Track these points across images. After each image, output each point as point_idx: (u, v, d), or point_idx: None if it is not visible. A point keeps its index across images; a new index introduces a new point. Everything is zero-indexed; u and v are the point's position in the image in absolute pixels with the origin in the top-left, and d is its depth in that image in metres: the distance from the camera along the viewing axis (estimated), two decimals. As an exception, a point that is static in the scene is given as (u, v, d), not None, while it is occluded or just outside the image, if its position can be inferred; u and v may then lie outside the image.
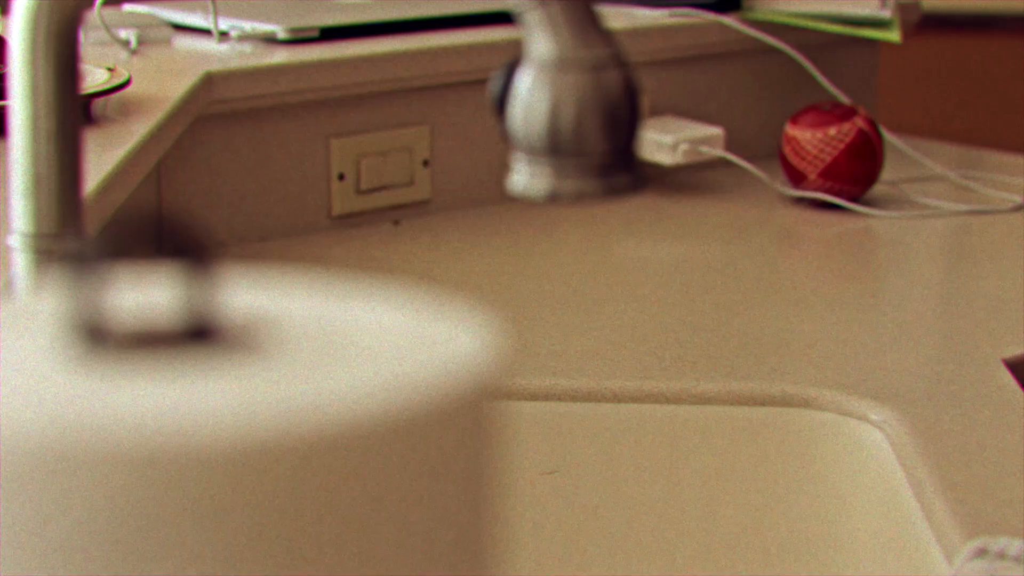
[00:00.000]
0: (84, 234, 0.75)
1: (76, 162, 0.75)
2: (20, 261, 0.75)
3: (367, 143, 1.42)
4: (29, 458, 0.34)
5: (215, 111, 1.33)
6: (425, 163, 1.46)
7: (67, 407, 0.35)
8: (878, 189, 1.52)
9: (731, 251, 1.42)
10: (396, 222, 1.45)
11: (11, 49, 0.74)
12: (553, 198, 0.68)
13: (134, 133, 1.16)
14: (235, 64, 1.36)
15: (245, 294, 0.39)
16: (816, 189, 1.49)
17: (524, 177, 0.69)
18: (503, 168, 1.51)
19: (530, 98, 0.68)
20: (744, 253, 1.41)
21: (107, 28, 1.41)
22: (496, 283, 1.31)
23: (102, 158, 1.09)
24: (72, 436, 0.34)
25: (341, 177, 1.41)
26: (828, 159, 1.48)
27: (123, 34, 1.43)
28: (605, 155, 0.67)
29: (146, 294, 0.40)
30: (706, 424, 1.10)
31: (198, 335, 0.37)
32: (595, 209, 1.52)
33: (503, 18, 1.54)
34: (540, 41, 0.67)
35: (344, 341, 0.37)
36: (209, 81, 1.32)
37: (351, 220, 1.43)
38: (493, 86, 0.69)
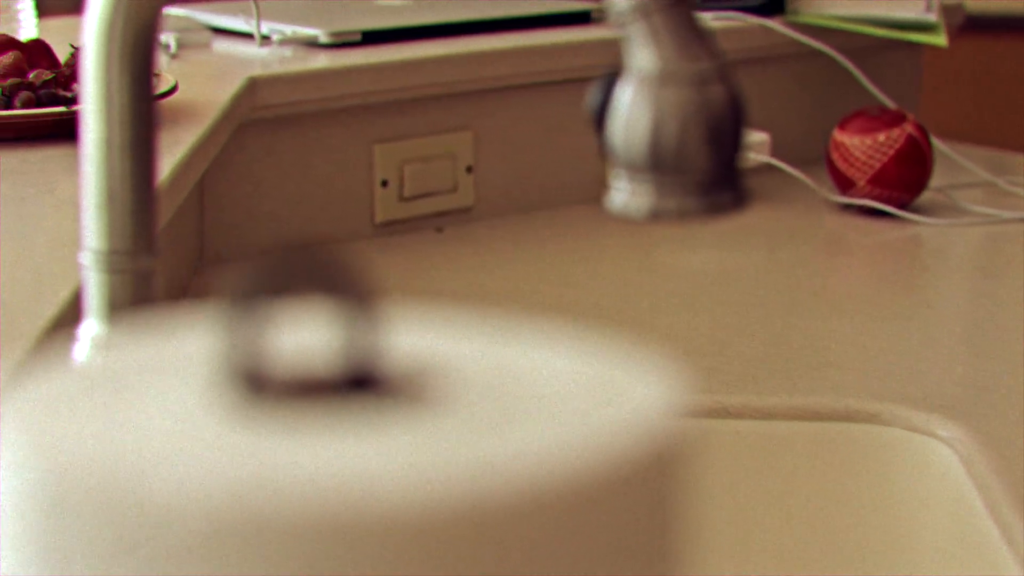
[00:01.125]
0: (156, 250, 0.73)
1: (150, 177, 0.72)
2: (92, 280, 0.73)
3: (410, 149, 1.40)
4: (189, 526, 0.31)
5: (258, 116, 1.31)
6: (468, 169, 1.43)
7: (230, 467, 0.32)
8: (925, 196, 1.49)
9: (779, 259, 1.39)
10: (439, 229, 1.42)
11: (84, 59, 0.72)
12: (654, 217, 0.65)
13: (181, 141, 1.13)
14: (278, 69, 1.33)
15: (409, 336, 0.37)
16: (865, 196, 1.47)
17: (624, 195, 0.66)
18: (546, 174, 1.48)
19: (631, 113, 0.65)
20: (792, 261, 1.38)
21: (148, 32, 1.38)
22: (540, 293, 1.29)
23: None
24: (240, 502, 0.31)
25: (384, 184, 1.39)
26: (877, 165, 1.46)
27: (162, 38, 1.40)
28: (708, 172, 0.65)
29: (302, 336, 0.37)
30: (770, 439, 1.07)
31: (360, 383, 0.35)
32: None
33: (547, 21, 1.52)
34: (641, 53, 0.65)
35: (516, 389, 0.35)
36: (252, 86, 1.30)
37: (394, 227, 1.40)
38: (591, 99, 0.67)
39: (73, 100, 1.13)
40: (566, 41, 1.47)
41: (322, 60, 1.37)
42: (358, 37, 1.41)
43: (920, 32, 1.60)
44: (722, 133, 0.65)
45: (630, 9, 0.65)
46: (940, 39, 1.59)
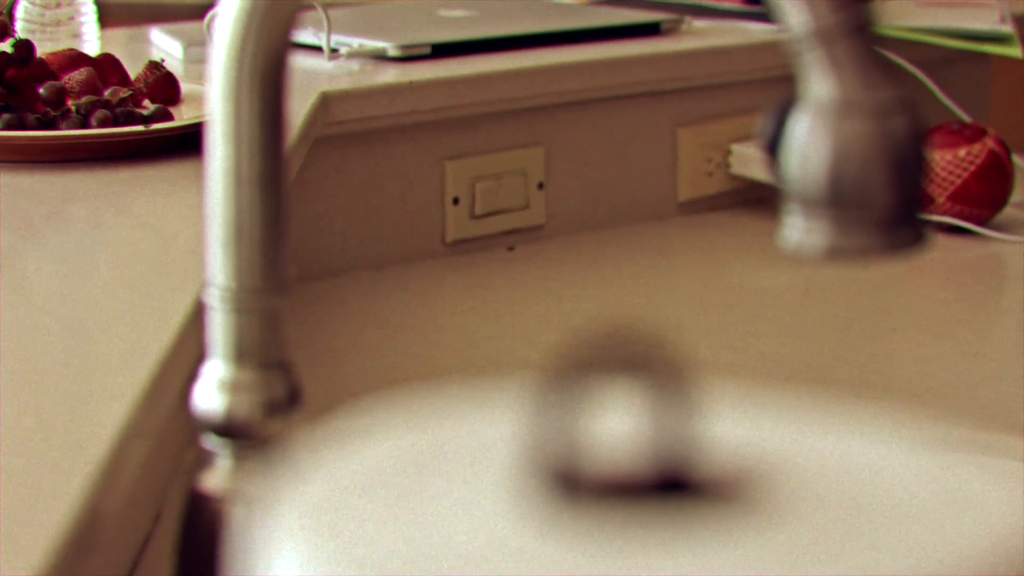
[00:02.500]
0: (287, 287, 0.68)
1: (280, 210, 0.68)
2: (217, 318, 0.69)
3: (482, 165, 1.36)
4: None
5: (329, 133, 1.26)
6: (540, 186, 1.39)
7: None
8: (1006, 212, 1.45)
9: (856, 278, 1.35)
10: (511, 248, 1.38)
11: (212, 90, 0.67)
12: (833, 255, 0.61)
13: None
14: (349, 84, 1.29)
15: (727, 426, 0.33)
16: (944, 213, 1.43)
17: (798, 232, 0.62)
18: (617, 190, 1.44)
19: (808, 144, 0.61)
20: (870, 280, 1.34)
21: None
22: (615, 314, 1.25)
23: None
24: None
25: (456, 201, 1.35)
26: (958, 181, 1.42)
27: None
28: (890, 208, 0.61)
29: (611, 427, 0.33)
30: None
31: (676, 483, 0.30)
32: (711, 233, 1.45)
33: (616, 33, 1.47)
34: (821, 82, 0.61)
35: (850, 492, 0.30)
36: (324, 102, 1.25)
37: (465, 246, 1.36)
38: (764, 128, 0.63)
39: (151, 118, 1.09)
40: (638, 54, 1.42)
41: (392, 74, 1.33)
42: (428, 50, 1.37)
43: (994, 43, 1.56)
44: (905, 167, 0.61)
45: (810, 35, 0.61)
46: (1015, 50, 1.55)
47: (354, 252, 1.30)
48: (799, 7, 0.61)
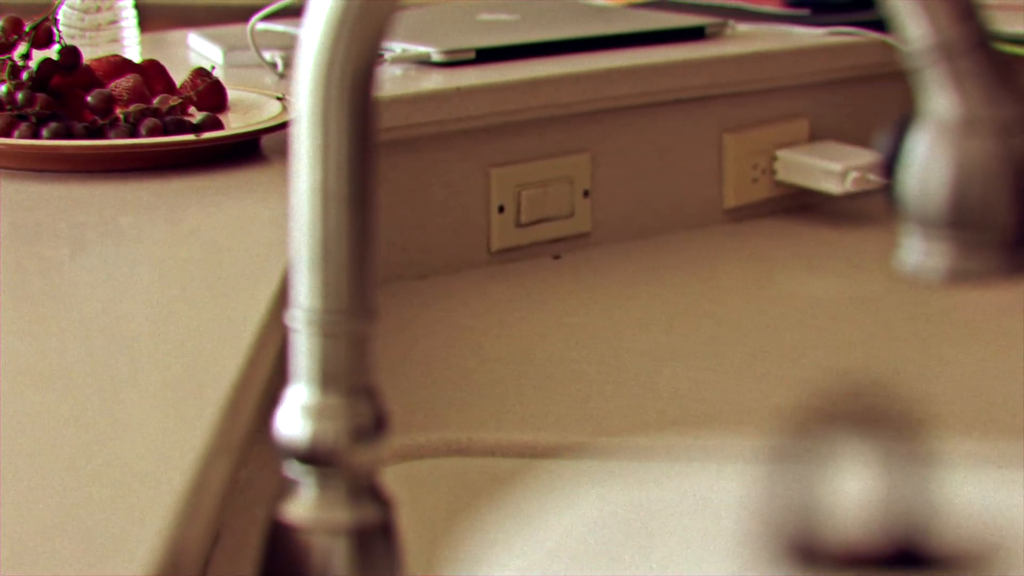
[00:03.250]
0: (375, 310, 0.66)
1: (369, 230, 0.65)
2: (302, 342, 0.66)
3: (527, 173, 1.33)
4: None
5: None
6: (586, 193, 1.36)
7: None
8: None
9: (900, 287, 1.32)
10: (557, 257, 1.35)
11: (298, 103, 0.65)
12: (954, 278, 0.59)
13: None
14: (395, 89, 1.27)
15: (967, 489, 0.30)
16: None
17: (918, 254, 0.60)
18: (663, 198, 1.41)
19: (928, 163, 0.59)
20: (914, 289, 1.32)
21: (257, 50, 1.32)
22: (662, 324, 1.22)
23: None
24: None
25: (501, 209, 1.32)
26: None
27: (267, 56, 1.34)
28: (1014, 229, 0.58)
29: (843, 490, 0.31)
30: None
31: (914, 555, 0.28)
32: (758, 241, 1.43)
33: (660, 37, 1.45)
34: (943, 98, 0.58)
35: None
36: (371, 109, 1.23)
37: (510, 255, 1.34)
38: (881, 145, 0.60)
39: (201, 127, 1.07)
40: (685, 59, 1.40)
41: (436, 79, 1.31)
42: (472, 55, 1.35)
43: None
44: (1030, 187, 0.58)
45: (932, 49, 0.58)
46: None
47: (398, 261, 1.28)
48: (919, 20, 0.59)
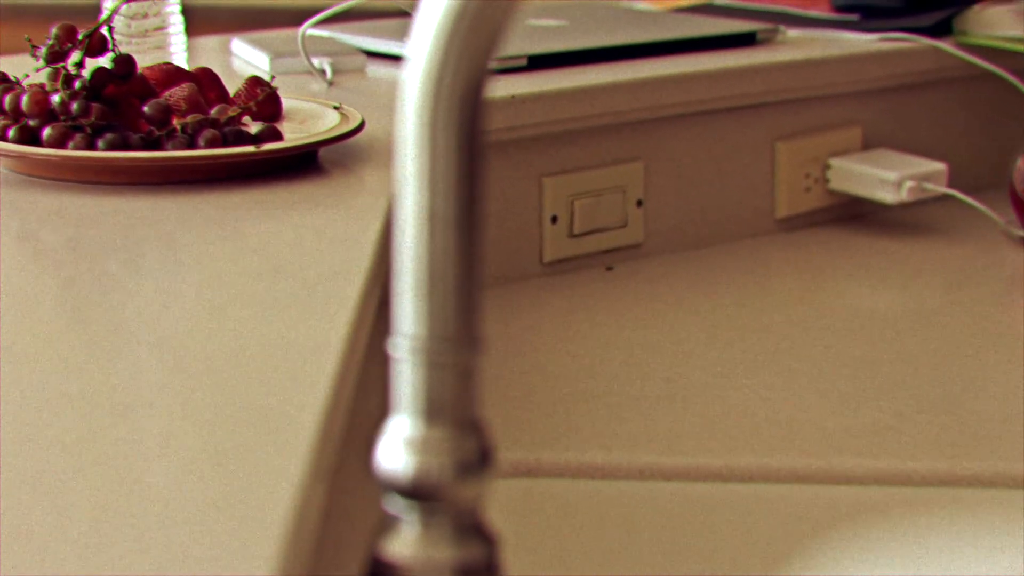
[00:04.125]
0: (482, 339, 0.63)
1: (477, 255, 0.63)
2: (405, 371, 0.63)
3: (580, 182, 1.30)
4: None
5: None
6: (639, 203, 1.34)
7: None
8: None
9: (958, 299, 1.30)
10: (610, 268, 1.33)
11: (403, 121, 0.62)
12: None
13: (378, 189, 1.04)
14: (448, 98, 1.24)
15: None
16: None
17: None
18: (715, 208, 1.39)
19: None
20: (973, 301, 1.29)
21: (307, 57, 1.29)
22: (718, 337, 1.19)
23: (360, 227, 0.97)
24: None
25: (554, 220, 1.29)
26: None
27: (315, 62, 1.31)
28: None
29: None
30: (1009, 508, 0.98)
31: None
32: (810, 251, 1.40)
33: (710, 43, 1.42)
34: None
35: None
36: (425, 117, 1.20)
37: (562, 266, 1.31)
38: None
39: (260, 138, 1.04)
40: (740, 65, 1.37)
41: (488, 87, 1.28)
42: (524, 62, 1.32)
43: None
44: None
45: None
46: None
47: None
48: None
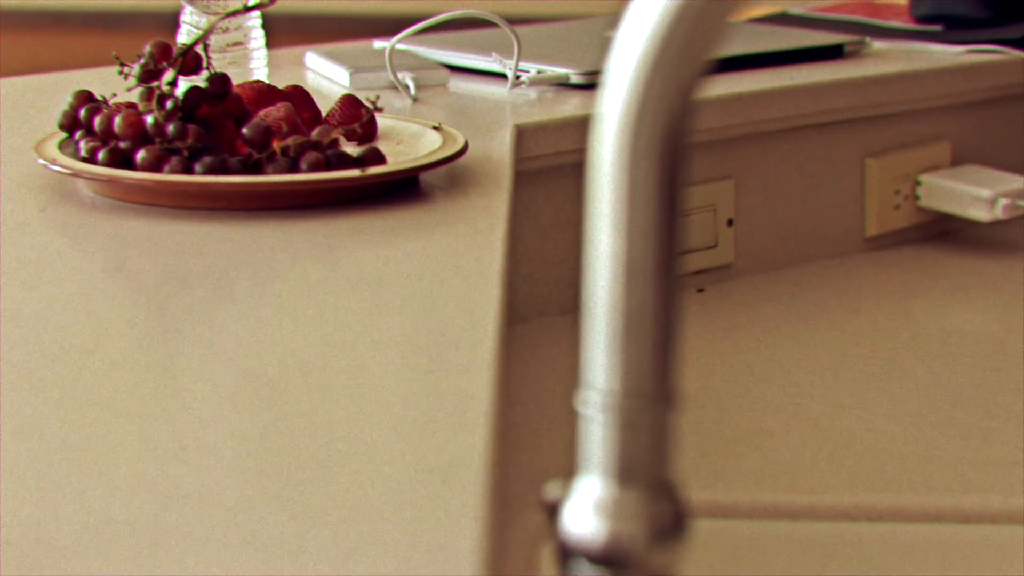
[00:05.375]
0: (679, 396, 0.58)
1: (675, 304, 0.58)
2: (595, 429, 0.59)
3: (671, 201, 1.25)
4: None
5: (521, 169, 1.16)
6: (729, 222, 1.29)
7: None
8: None
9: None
10: (701, 289, 1.28)
11: (599, 162, 0.57)
12: None
13: (487, 215, 0.99)
14: (539, 115, 1.19)
15: None
16: None
17: None
18: (805, 226, 1.34)
19: None
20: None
21: (393, 73, 1.24)
22: (822, 363, 1.15)
23: (477, 256, 0.93)
24: None
25: (645, 241, 1.24)
26: None
27: (399, 76, 1.26)
28: None
29: None
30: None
31: None
32: (901, 270, 1.35)
33: (796, 56, 1.38)
34: None
35: None
36: (519, 136, 1.15)
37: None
38: None
39: (363, 161, 0.99)
40: (830, 80, 1.32)
41: (575, 104, 1.23)
42: (612, 77, 1.27)
43: None
44: None
45: None
46: None
47: (542, 297, 1.20)
48: None
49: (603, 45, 1.37)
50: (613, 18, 1.51)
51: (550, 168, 1.19)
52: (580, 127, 1.19)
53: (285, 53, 1.43)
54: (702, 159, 1.27)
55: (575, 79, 1.26)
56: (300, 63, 1.39)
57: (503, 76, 1.28)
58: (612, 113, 0.57)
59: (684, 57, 0.56)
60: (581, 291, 1.21)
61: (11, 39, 2.76)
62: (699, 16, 0.55)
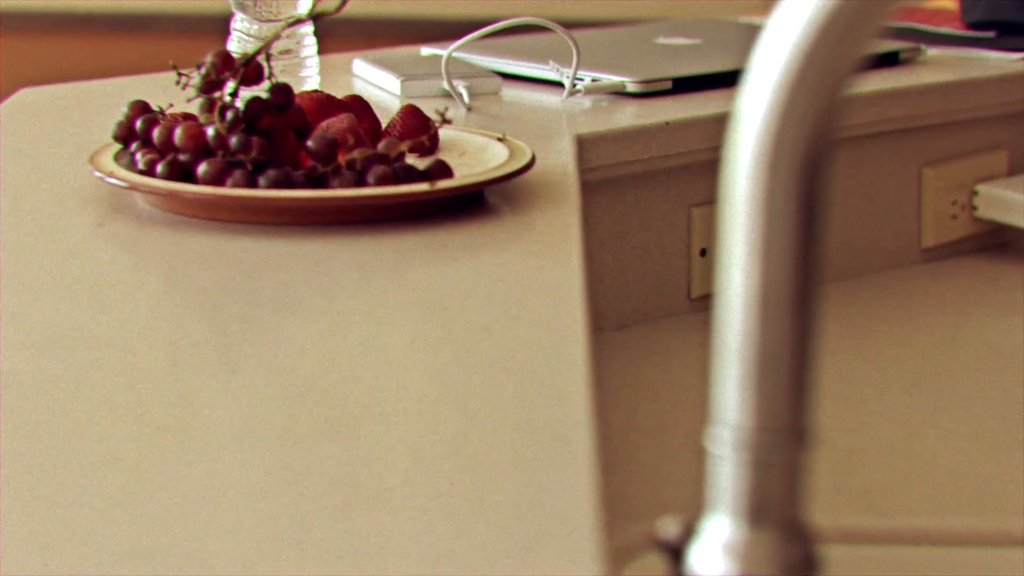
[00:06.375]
0: (815, 433, 0.56)
1: (815, 340, 0.55)
2: (726, 467, 0.56)
3: (729, 213, 1.23)
4: None
5: (581, 180, 1.13)
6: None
7: None
8: None
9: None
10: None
11: (736, 186, 0.55)
12: None
13: (556, 231, 0.96)
14: (597, 125, 1.16)
15: None
16: None
17: None
18: (862, 237, 1.32)
19: None
20: None
21: (449, 81, 1.21)
22: (889, 379, 1.12)
23: (553, 274, 0.90)
24: None
25: (703, 253, 1.22)
26: None
27: (446, 85, 1.23)
28: None
29: None
30: None
31: None
32: (959, 282, 1.33)
33: (870, 62, 1.35)
34: None
35: None
36: (579, 146, 1.13)
37: (709, 302, 1.23)
38: None
39: (431, 174, 0.96)
40: (889, 88, 1.30)
41: (635, 112, 1.21)
42: (668, 85, 1.24)
43: None
44: None
45: None
46: None
47: (598, 311, 1.18)
48: None
49: (658, 52, 1.34)
50: (665, 23, 1.48)
51: (609, 179, 1.16)
52: (639, 137, 1.16)
53: (328, 60, 1.40)
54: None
55: (631, 87, 1.23)
56: (345, 70, 1.36)
57: (555, 84, 1.25)
58: (748, 137, 0.54)
59: (831, 64, 0.53)
60: (634, 307, 1.19)
61: (34, 43, 2.74)
62: (853, 16, 0.52)
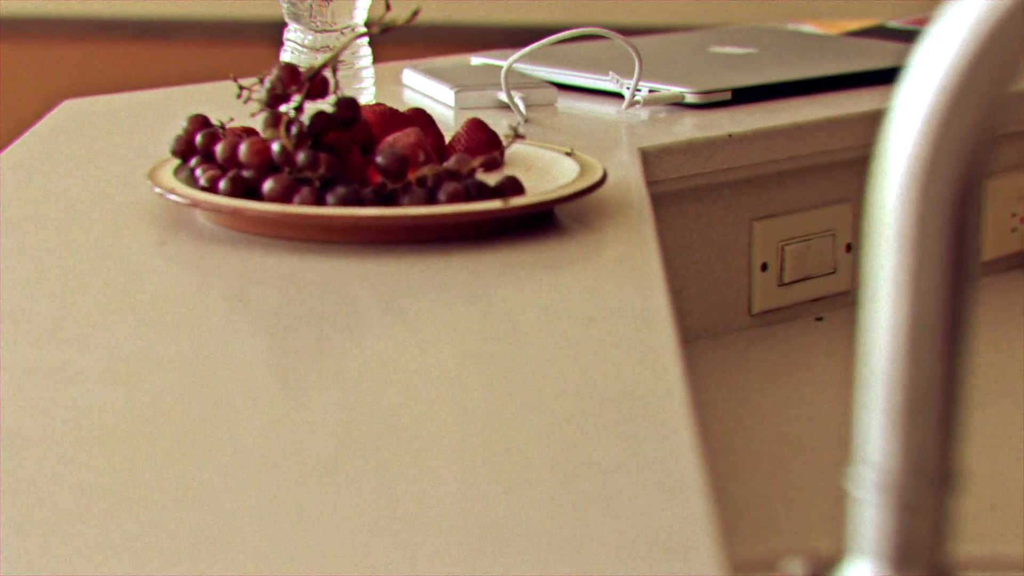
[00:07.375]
0: (963, 475, 0.53)
1: (965, 375, 0.53)
2: (868, 510, 0.53)
3: (791, 226, 1.20)
4: None
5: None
6: (848, 248, 1.24)
7: None
8: None
9: None
10: (819, 318, 1.23)
11: (880, 217, 0.52)
12: None
13: (630, 251, 0.93)
14: (661, 137, 1.14)
15: None
16: None
17: None
18: (921, 250, 1.29)
19: None
20: None
21: (508, 93, 1.18)
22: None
23: (634, 297, 0.87)
24: None
25: (764, 267, 1.19)
26: None
27: (501, 96, 1.20)
28: None
29: None
30: None
31: None
32: (1020, 296, 1.30)
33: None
34: None
35: None
36: (643, 160, 1.10)
37: (771, 317, 1.21)
38: None
39: (503, 191, 0.93)
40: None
41: (696, 124, 1.18)
42: (728, 95, 1.22)
43: None
44: None
45: None
46: None
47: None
48: None
49: (713, 61, 1.32)
50: (715, 31, 1.46)
51: (671, 193, 1.13)
52: (703, 149, 1.14)
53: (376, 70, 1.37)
54: (821, 182, 1.22)
55: (690, 98, 1.21)
56: (394, 80, 1.33)
57: (610, 94, 1.23)
58: (897, 165, 0.52)
59: (989, 87, 0.51)
60: (694, 322, 1.16)
61: (57, 50, 2.71)
62: (1012, 40, 0.50)
